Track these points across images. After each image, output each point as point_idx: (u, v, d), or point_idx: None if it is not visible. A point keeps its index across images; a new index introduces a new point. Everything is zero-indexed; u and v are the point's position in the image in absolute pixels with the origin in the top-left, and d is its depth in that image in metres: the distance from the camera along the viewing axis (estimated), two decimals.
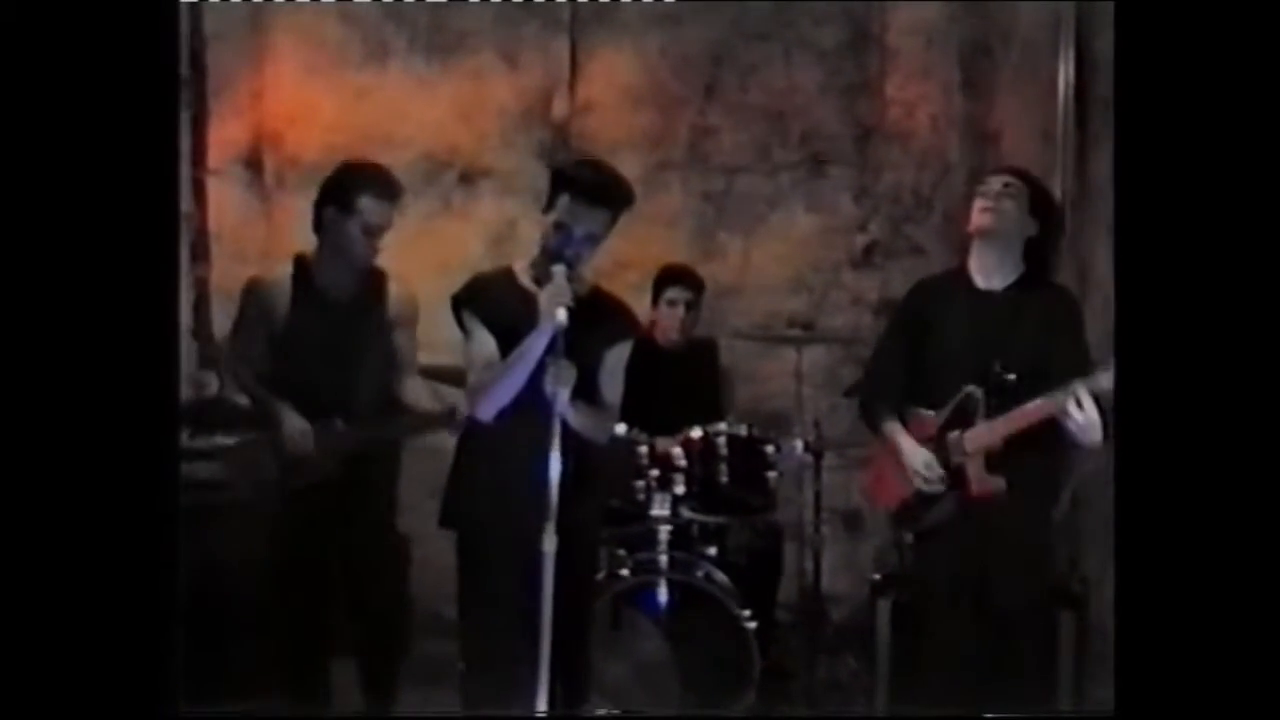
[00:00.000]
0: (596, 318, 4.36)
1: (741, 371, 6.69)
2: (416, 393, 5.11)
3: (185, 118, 6.73)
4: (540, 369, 4.11)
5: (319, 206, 5.03)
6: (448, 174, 6.91)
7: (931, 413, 4.79)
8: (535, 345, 4.16)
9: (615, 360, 4.44)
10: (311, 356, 5.02)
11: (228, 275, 6.75)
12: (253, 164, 7.00)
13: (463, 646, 4.42)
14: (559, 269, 4.18)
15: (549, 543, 3.93)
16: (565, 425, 4.09)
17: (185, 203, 6.78)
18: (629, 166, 6.63)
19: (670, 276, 6.35)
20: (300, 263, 5.11)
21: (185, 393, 6.28)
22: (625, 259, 6.71)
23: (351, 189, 4.96)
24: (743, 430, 5.90)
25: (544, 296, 4.16)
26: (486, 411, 4.29)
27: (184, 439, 5.78)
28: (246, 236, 6.96)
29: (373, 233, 4.97)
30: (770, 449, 5.90)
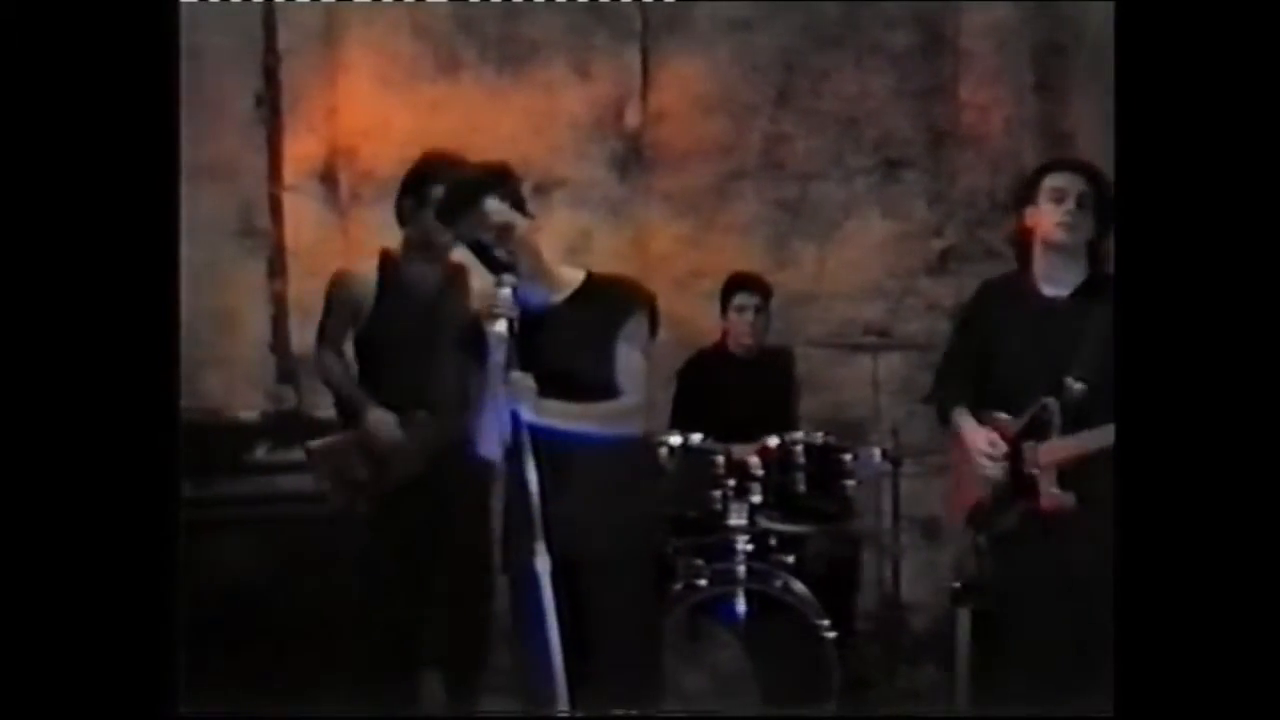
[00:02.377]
0: (595, 306, 4.25)
1: (818, 380, 6.71)
2: None
3: (260, 134, 6.91)
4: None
5: (399, 199, 5.18)
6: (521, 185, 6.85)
7: (1006, 416, 4.74)
8: (493, 367, 3.99)
9: (628, 342, 4.24)
10: (396, 350, 5.12)
11: (304, 290, 6.85)
12: (328, 179, 7.05)
13: (522, 674, 4.34)
14: (501, 281, 4.02)
15: (541, 562, 3.88)
16: (588, 440, 4.09)
17: (262, 219, 6.97)
18: (702, 175, 7.18)
19: (736, 283, 6.38)
20: (386, 256, 5.24)
21: (264, 406, 6.43)
22: (699, 268, 6.96)
23: (426, 179, 5.05)
24: (819, 438, 5.89)
25: (482, 313, 4.07)
26: (488, 446, 4.10)
27: (263, 453, 5.96)
28: (323, 251, 6.92)
29: None
30: (847, 457, 5.88)
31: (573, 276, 4.32)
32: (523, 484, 3.91)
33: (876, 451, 6.04)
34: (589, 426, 4.16)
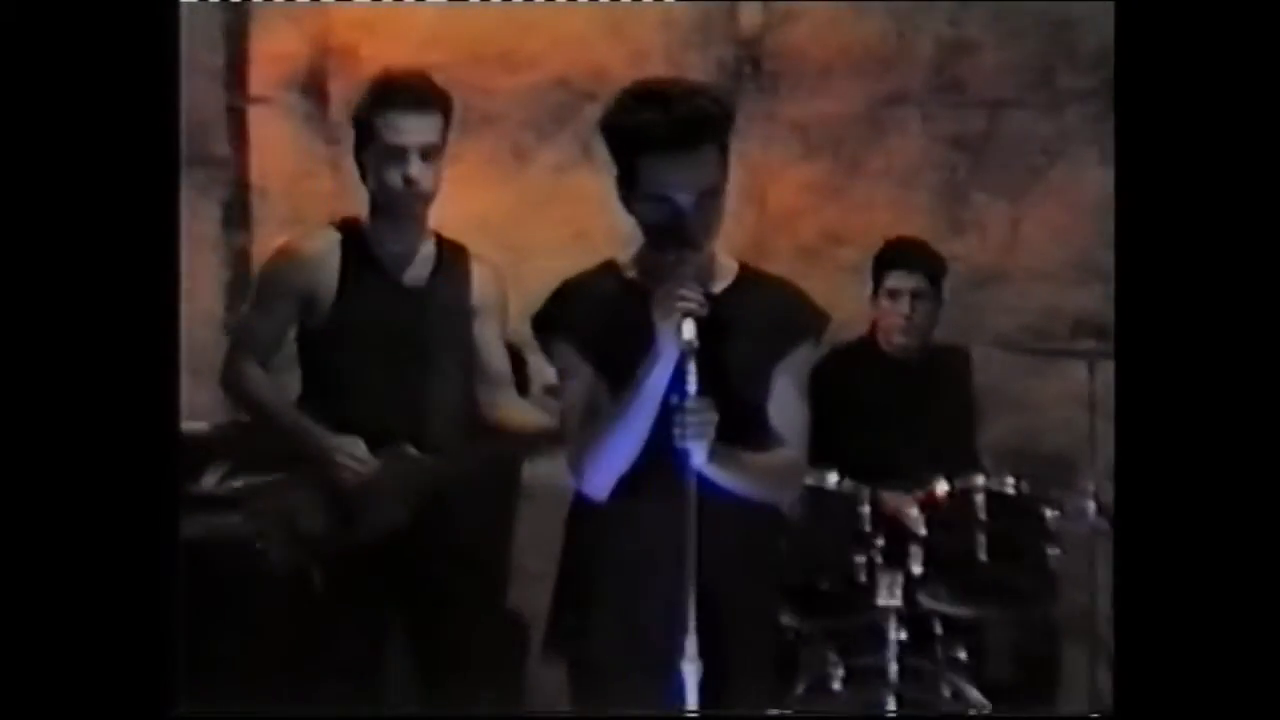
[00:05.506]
0: (750, 316, 3.83)
1: (1006, 396, 6.38)
2: (510, 407, 4.96)
3: (216, 26, 6.69)
4: (667, 412, 3.59)
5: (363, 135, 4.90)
6: (589, 108, 6.25)
7: None
8: (654, 380, 3.64)
9: (790, 376, 3.85)
10: (367, 357, 4.90)
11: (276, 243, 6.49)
12: (312, 89, 6.77)
13: None
14: (677, 259, 3.67)
15: (689, 667, 3.52)
16: (714, 489, 3.65)
17: (219, 144, 6.72)
18: (847, 99, 6.79)
19: (893, 256, 5.99)
20: (350, 228, 4.93)
21: (217, 414, 6.03)
22: (838, 231, 6.68)
23: (371, 108, 4.83)
24: (1009, 484, 5.64)
25: (657, 305, 3.60)
26: (597, 485, 3.77)
27: (213, 481, 5.69)
28: (303, 191, 6.70)
29: (397, 157, 4.74)
30: (1049, 511, 5.62)
31: (726, 266, 3.92)
32: (680, 557, 3.55)
33: (1090, 504, 5.66)
34: (752, 486, 3.79)
